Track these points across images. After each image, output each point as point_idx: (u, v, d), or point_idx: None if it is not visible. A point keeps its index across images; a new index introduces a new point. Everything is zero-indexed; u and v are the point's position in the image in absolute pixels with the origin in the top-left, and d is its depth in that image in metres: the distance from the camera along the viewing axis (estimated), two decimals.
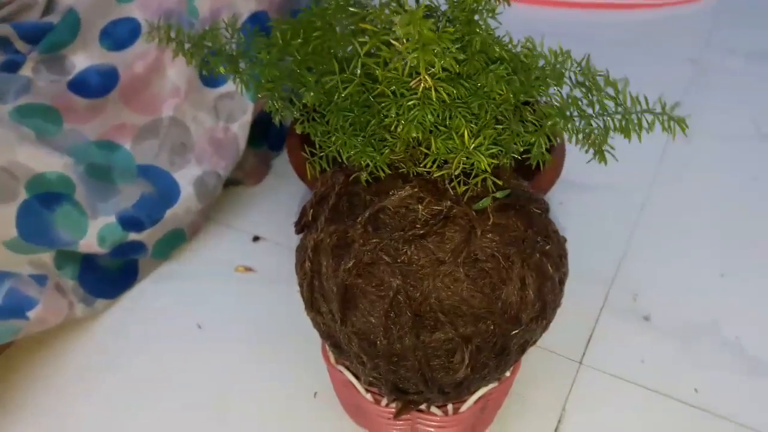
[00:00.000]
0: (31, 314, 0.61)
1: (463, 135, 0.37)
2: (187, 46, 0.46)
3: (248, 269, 0.75)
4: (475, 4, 0.38)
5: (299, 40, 0.46)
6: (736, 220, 0.81)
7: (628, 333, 0.69)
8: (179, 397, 0.63)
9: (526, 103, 0.42)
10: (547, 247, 0.48)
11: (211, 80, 0.74)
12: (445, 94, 0.35)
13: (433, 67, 0.33)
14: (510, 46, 0.41)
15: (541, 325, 0.49)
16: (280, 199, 0.84)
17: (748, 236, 0.78)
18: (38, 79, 0.65)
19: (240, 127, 0.76)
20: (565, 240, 0.52)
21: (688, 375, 0.65)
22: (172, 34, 0.44)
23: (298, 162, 0.68)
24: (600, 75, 0.39)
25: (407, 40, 0.32)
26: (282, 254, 0.77)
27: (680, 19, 1.23)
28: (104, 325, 0.69)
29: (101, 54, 0.68)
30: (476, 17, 0.39)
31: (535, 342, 0.51)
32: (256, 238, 0.79)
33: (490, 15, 0.39)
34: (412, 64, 0.34)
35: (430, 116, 0.36)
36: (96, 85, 0.67)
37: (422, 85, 0.35)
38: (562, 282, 0.50)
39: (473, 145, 0.37)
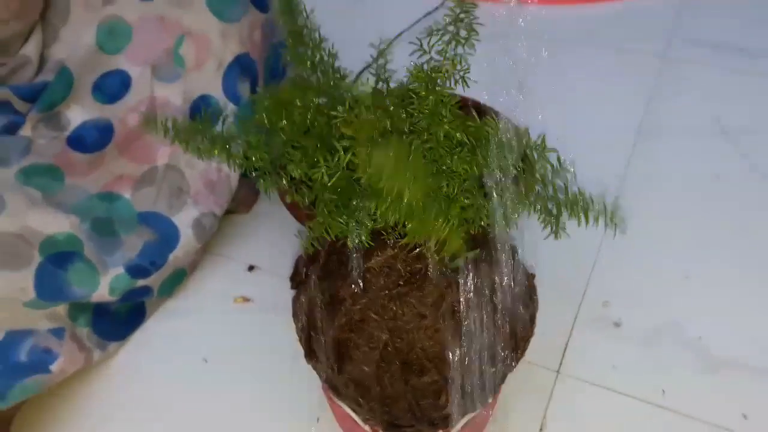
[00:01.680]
0: (53, 367, 0.66)
1: (434, 218, 0.42)
2: (181, 134, 0.51)
3: (246, 299, 0.80)
4: (437, 100, 0.42)
5: (284, 121, 0.50)
6: (699, 221, 0.86)
7: (600, 340, 0.74)
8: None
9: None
10: (517, 290, 0.53)
11: None
12: (416, 194, 0.40)
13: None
14: (472, 124, 0.46)
15: (516, 357, 0.54)
16: (272, 226, 0.88)
17: (710, 237, 0.84)
18: (38, 137, 0.69)
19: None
20: (533, 276, 0.57)
21: (655, 377, 0.70)
22: (169, 125, 0.48)
23: (291, 205, 0.73)
24: (551, 152, 0.44)
25: None
26: (277, 283, 0.81)
27: (644, 12, 1.27)
28: (115, 368, 0.74)
29: (95, 107, 0.72)
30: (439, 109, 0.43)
31: (512, 371, 0.57)
32: (251, 267, 0.84)
33: (452, 106, 0.44)
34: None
35: (402, 211, 0.41)
36: (93, 140, 0.71)
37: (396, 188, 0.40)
38: (533, 317, 0.56)
39: (444, 231, 0.42)
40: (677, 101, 1.04)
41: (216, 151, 0.49)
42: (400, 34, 1.06)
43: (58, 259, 0.66)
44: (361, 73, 0.71)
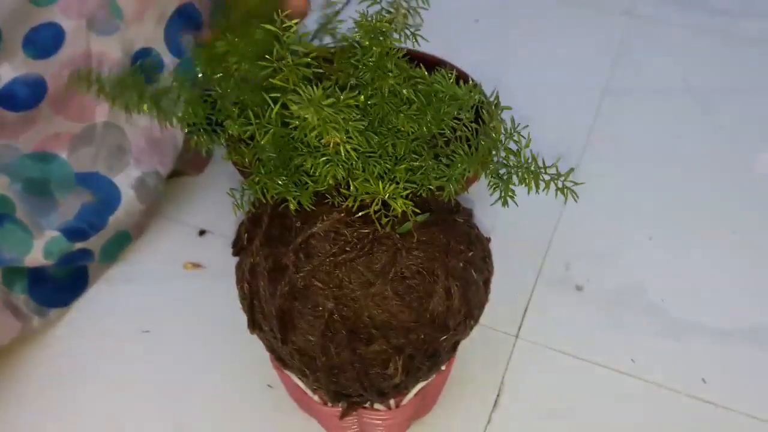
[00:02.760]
0: None
1: (378, 178, 0.39)
2: (108, 89, 0.47)
3: (196, 265, 0.77)
4: (381, 52, 0.39)
5: (219, 74, 0.46)
6: (663, 182, 0.85)
7: (562, 304, 0.73)
8: (131, 402, 0.66)
9: (441, 133, 0.44)
10: (470, 254, 0.51)
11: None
12: (353, 152, 0.37)
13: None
14: (422, 79, 0.43)
15: (469, 325, 0.52)
16: (224, 189, 0.84)
17: (674, 198, 0.83)
18: None
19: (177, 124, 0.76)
20: (489, 240, 0.55)
21: (617, 342, 0.69)
22: (92, 79, 0.44)
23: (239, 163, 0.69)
24: (506, 109, 0.41)
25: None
26: (229, 247, 0.78)
27: None
28: (56, 335, 0.71)
29: (26, 63, 0.67)
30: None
31: (465, 338, 0.55)
32: (202, 232, 0.80)
33: (399, 59, 0.40)
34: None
35: (341, 171, 0.38)
36: (25, 97, 0.67)
37: (332, 143, 0.37)
38: (487, 282, 0.54)
39: (387, 193, 0.39)
40: (644, 61, 1.02)
41: (145, 107, 0.45)
42: None
43: None
44: (316, 32, 0.67)
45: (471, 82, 0.43)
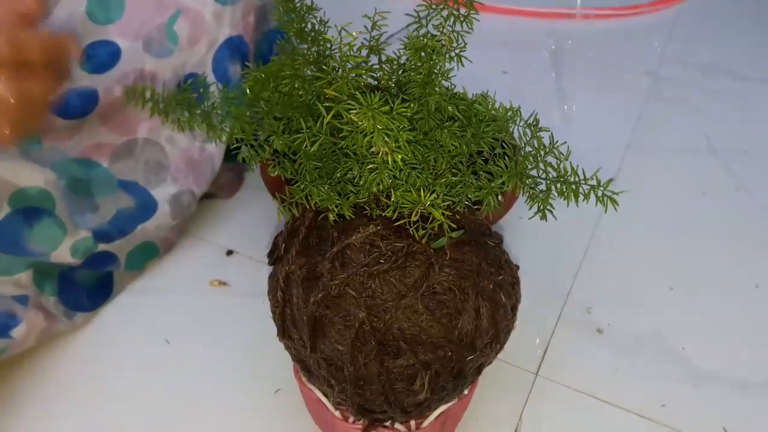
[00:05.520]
0: (14, 333, 0.63)
1: (420, 189, 0.41)
2: (161, 105, 0.49)
3: (222, 283, 0.78)
4: (431, 69, 0.41)
5: (267, 93, 0.49)
6: (685, 235, 0.86)
7: (582, 345, 0.73)
8: (148, 413, 0.66)
9: (480, 152, 0.46)
10: (500, 278, 0.52)
11: None
12: (400, 161, 0.39)
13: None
14: (464, 100, 0.45)
15: (495, 349, 0.53)
16: (254, 213, 0.87)
17: (696, 251, 0.83)
18: None
19: (216, 147, 0.78)
20: (518, 268, 0.56)
21: (635, 386, 0.69)
22: (147, 95, 0.47)
23: (271, 180, 0.72)
24: (544, 131, 0.43)
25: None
26: (256, 268, 0.80)
27: (637, 31, 1.28)
28: (82, 340, 0.72)
29: (82, 76, 0.70)
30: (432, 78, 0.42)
31: (490, 363, 0.55)
32: (230, 252, 0.82)
33: (444, 78, 0.43)
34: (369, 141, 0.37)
35: (387, 179, 0.40)
36: (76, 107, 0.69)
37: (381, 152, 0.38)
38: (514, 308, 0.55)
39: (428, 201, 0.41)
40: (666, 119, 1.05)
41: (194, 123, 0.48)
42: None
43: (26, 213, 0.64)
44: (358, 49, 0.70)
45: (510, 105, 0.45)
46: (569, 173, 0.41)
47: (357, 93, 0.38)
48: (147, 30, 0.71)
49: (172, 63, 0.73)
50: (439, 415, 0.56)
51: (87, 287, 0.73)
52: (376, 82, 0.46)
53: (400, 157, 0.39)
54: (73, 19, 0.69)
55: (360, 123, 0.36)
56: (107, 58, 0.71)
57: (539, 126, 0.44)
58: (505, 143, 0.45)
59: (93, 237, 0.70)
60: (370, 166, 0.40)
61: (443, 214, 0.42)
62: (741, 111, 1.07)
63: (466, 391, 0.57)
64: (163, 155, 0.75)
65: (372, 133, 0.37)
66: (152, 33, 0.71)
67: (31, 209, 0.65)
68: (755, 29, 1.27)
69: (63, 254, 0.68)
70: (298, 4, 0.48)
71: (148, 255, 0.78)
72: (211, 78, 0.76)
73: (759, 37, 1.25)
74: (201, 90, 0.53)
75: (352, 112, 0.36)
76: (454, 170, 0.45)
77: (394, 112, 0.37)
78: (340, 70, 0.40)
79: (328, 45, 0.49)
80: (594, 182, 0.41)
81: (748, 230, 0.87)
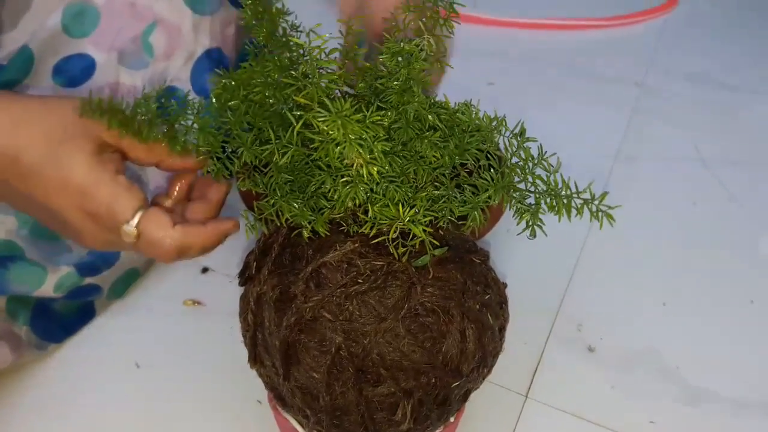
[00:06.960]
0: None
1: (398, 204, 0.38)
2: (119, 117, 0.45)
3: (196, 302, 0.74)
4: (409, 76, 0.38)
5: (237, 101, 0.45)
6: (677, 248, 0.83)
7: (573, 364, 0.70)
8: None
9: (463, 164, 0.43)
10: (487, 297, 0.49)
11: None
12: (376, 174, 0.36)
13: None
14: (445, 109, 0.42)
15: (483, 373, 0.50)
16: None
17: (689, 264, 0.81)
18: None
19: None
20: (505, 286, 0.53)
21: (630, 406, 0.66)
22: (104, 107, 0.43)
23: (245, 193, 0.68)
24: (532, 141, 0.40)
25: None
26: (231, 286, 0.76)
27: (624, 41, 1.27)
28: (48, 363, 0.68)
29: (53, 91, 0.66)
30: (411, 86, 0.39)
31: (477, 388, 0.52)
32: (204, 270, 0.78)
33: (423, 87, 0.40)
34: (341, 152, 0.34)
35: (362, 193, 0.37)
36: None
37: (355, 163, 0.35)
38: (502, 329, 0.51)
39: (407, 217, 0.38)
40: (655, 129, 1.03)
41: (153, 134, 0.44)
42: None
43: None
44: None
45: (495, 114, 0.42)
46: (560, 186, 0.38)
47: (326, 100, 0.35)
48: (122, 42, 0.68)
49: (148, 75, 0.70)
50: None
51: (64, 317, 0.70)
52: (351, 90, 0.42)
53: (375, 169, 0.36)
54: (43, 32, 0.66)
55: (330, 132, 0.33)
56: (80, 72, 0.67)
57: (526, 136, 0.41)
58: (490, 154, 0.42)
59: (77, 272, 0.66)
60: (344, 179, 0.37)
61: (424, 230, 0.39)
62: (730, 121, 1.06)
63: (452, 419, 0.54)
64: (142, 172, 0.72)
65: (344, 142, 0.33)
66: (127, 45, 0.68)
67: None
68: (744, 40, 1.25)
69: (46, 290, 0.65)
70: (266, 6, 0.45)
71: (130, 281, 0.74)
72: (189, 91, 0.73)
73: (748, 47, 1.23)
74: (163, 100, 0.50)
75: (321, 119, 0.33)
76: (436, 183, 0.42)
77: (367, 121, 0.34)
78: (311, 76, 0.37)
79: (301, 51, 0.46)
80: (587, 196, 0.38)
81: (742, 243, 0.84)
